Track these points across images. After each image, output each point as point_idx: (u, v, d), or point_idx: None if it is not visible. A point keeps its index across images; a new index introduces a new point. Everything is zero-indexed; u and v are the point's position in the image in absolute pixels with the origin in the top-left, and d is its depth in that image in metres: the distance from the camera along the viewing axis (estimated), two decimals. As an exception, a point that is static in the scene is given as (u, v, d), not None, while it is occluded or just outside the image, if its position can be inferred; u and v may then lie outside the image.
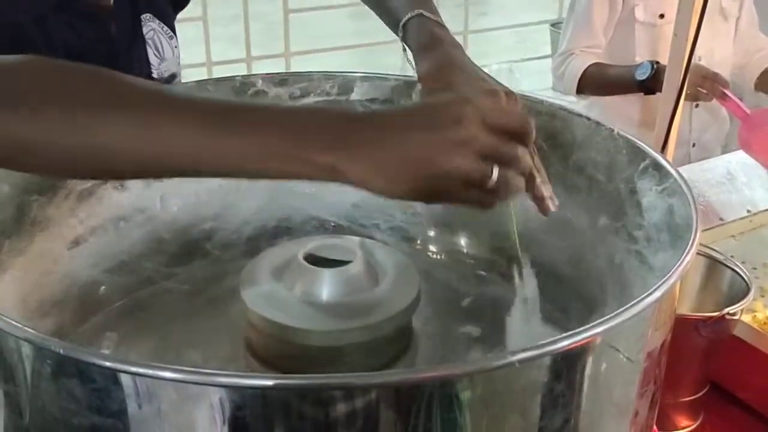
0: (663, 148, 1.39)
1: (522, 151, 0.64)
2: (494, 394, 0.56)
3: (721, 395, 1.11)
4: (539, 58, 4.38)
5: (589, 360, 0.58)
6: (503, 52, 4.62)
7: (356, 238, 0.82)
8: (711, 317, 1.00)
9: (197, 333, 0.86)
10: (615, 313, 0.57)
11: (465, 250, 1.04)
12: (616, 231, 0.86)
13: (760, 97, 2.18)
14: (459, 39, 0.92)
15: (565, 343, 0.55)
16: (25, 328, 0.57)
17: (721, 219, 1.53)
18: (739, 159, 1.84)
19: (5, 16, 0.97)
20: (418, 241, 1.05)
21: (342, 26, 4.73)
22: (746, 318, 1.11)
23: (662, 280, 0.62)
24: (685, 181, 0.77)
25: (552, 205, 0.73)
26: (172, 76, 1.14)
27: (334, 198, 0.99)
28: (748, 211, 1.57)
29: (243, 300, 0.73)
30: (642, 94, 1.98)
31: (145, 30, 1.11)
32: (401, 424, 0.55)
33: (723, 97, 1.88)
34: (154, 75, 1.12)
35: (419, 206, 1.03)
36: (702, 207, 1.31)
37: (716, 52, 2.09)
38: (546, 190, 0.73)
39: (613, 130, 0.88)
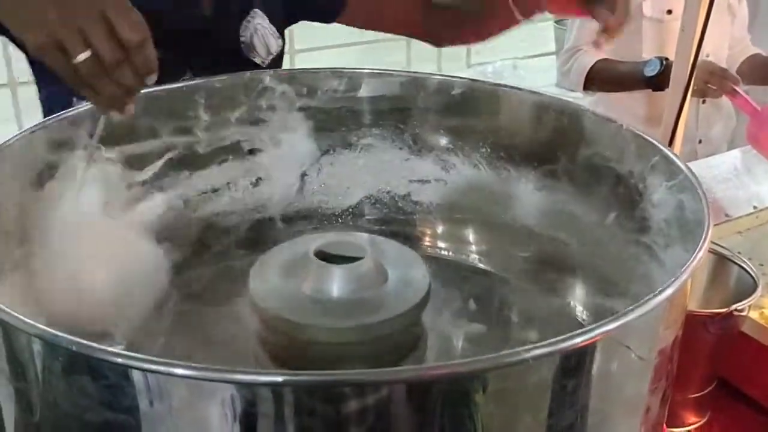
0: (670, 144, 1.39)
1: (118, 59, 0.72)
2: (506, 390, 0.56)
3: (728, 392, 1.11)
4: (543, 55, 4.37)
5: (601, 357, 0.58)
6: (507, 49, 4.61)
7: (366, 235, 0.82)
8: (718, 314, 1.00)
9: (207, 330, 0.86)
10: (627, 310, 0.57)
11: (473, 247, 1.04)
12: (625, 227, 0.86)
13: (768, 93, 2.19)
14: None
15: (578, 340, 0.55)
16: (37, 324, 0.57)
17: (727, 215, 1.52)
18: (745, 155, 1.84)
19: None
20: (427, 238, 1.05)
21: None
22: (754, 314, 1.10)
23: (674, 278, 0.61)
24: (696, 177, 0.77)
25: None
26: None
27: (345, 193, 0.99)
28: (755, 207, 1.56)
29: (253, 296, 0.73)
30: (649, 90, 1.98)
31: (252, 22, 1.17)
32: (412, 421, 0.55)
33: (732, 93, 1.88)
34: (258, 62, 1.19)
35: (427, 202, 1.03)
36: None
37: (723, 47, 2.09)
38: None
39: (622, 126, 0.87)
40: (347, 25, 1.30)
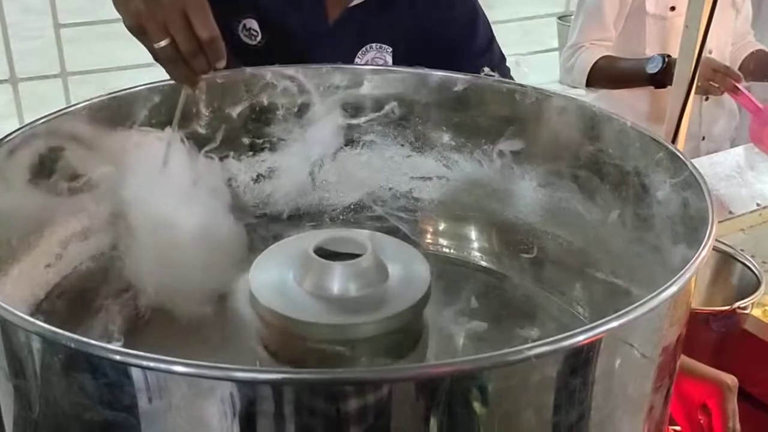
0: (673, 142, 1.39)
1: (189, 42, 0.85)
2: (509, 388, 0.56)
3: (731, 390, 1.11)
4: (546, 51, 4.37)
5: (605, 355, 0.58)
6: (510, 45, 4.60)
7: (367, 232, 0.82)
8: (721, 311, 1.00)
9: (207, 327, 0.86)
10: (631, 307, 0.57)
11: (475, 244, 1.03)
12: (628, 224, 0.86)
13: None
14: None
15: (581, 337, 0.54)
16: (36, 321, 0.56)
17: (730, 212, 1.52)
18: (748, 152, 1.84)
19: None
20: (428, 235, 1.05)
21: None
22: (757, 312, 1.10)
23: (678, 275, 0.61)
24: (701, 175, 0.76)
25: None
26: None
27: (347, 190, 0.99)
28: (758, 204, 1.56)
29: (253, 293, 0.73)
30: (651, 87, 1.97)
31: (373, 51, 1.28)
32: (414, 419, 0.55)
33: (735, 90, 1.88)
34: None
35: (428, 199, 1.03)
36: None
37: (726, 44, 2.09)
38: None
39: (626, 123, 0.87)
40: None
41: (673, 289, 0.60)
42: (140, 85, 0.94)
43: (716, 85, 1.88)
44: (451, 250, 1.04)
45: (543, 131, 0.95)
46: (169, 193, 0.87)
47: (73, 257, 0.88)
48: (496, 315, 0.89)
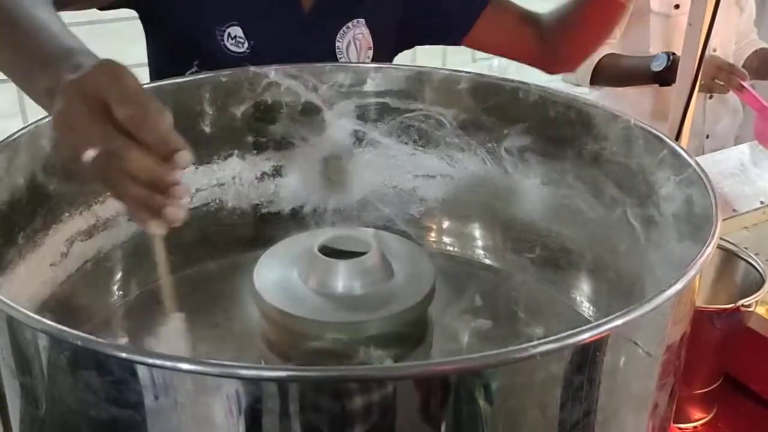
0: (677, 140, 1.38)
1: (126, 148, 0.61)
2: (513, 386, 0.56)
3: (734, 387, 1.11)
4: (549, 49, 4.33)
5: (609, 353, 0.58)
6: (513, 43, 4.59)
7: (371, 230, 0.82)
8: (725, 309, 0.99)
9: (212, 325, 0.86)
10: (635, 305, 0.57)
11: (479, 242, 1.03)
12: (632, 222, 0.86)
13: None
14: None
15: (586, 335, 0.54)
16: (42, 319, 0.56)
17: (734, 210, 1.52)
18: (752, 150, 1.83)
19: None
20: (432, 233, 1.05)
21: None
22: (761, 310, 1.10)
23: (683, 273, 0.61)
24: (705, 172, 0.76)
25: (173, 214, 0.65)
26: None
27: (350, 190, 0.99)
28: (762, 202, 1.56)
29: (257, 292, 0.73)
30: (655, 85, 1.97)
31: (352, 30, 1.25)
32: (418, 417, 0.55)
33: (740, 88, 1.87)
34: None
35: (432, 198, 1.03)
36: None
37: (730, 42, 2.08)
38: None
39: (629, 121, 0.87)
40: (471, 47, 1.38)
41: (678, 286, 0.59)
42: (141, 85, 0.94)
43: (721, 82, 1.87)
44: (456, 248, 1.04)
45: (547, 129, 0.95)
46: None
47: (79, 256, 0.88)
48: (500, 313, 0.89)
